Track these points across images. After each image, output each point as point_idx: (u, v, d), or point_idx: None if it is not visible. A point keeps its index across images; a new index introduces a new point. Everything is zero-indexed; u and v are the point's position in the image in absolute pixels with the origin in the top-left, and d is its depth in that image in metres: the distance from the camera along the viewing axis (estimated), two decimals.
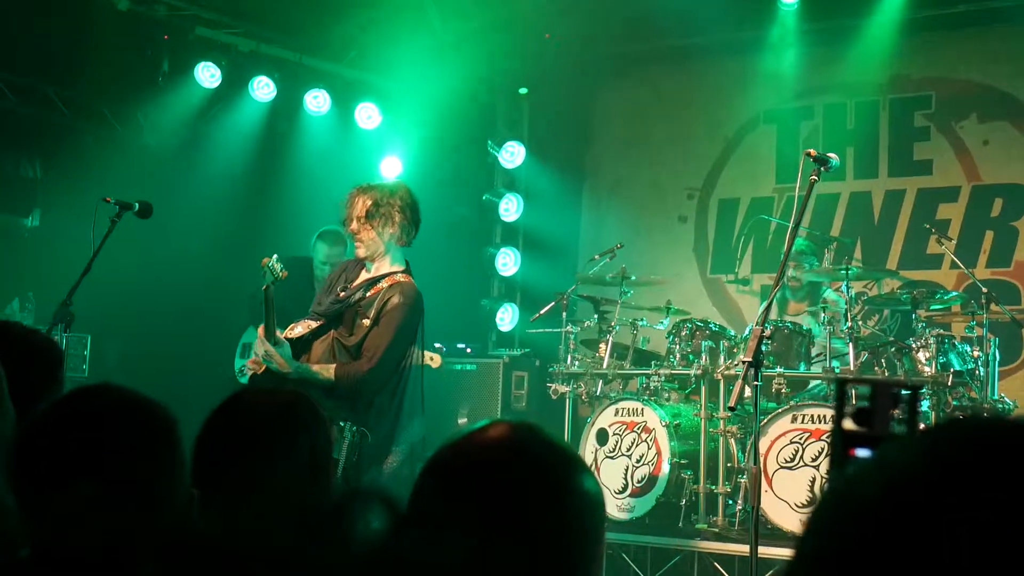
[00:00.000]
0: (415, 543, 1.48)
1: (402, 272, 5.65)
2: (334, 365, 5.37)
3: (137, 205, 6.17)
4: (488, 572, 1.44)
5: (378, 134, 9.87)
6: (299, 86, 9.61)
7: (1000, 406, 6.89)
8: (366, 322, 5.44)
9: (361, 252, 5.56)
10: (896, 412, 0.93)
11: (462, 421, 8.66)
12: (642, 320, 7.65)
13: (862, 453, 0.92)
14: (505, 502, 1.48)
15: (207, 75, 9.14)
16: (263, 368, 5.41)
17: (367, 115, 9.76)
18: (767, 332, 4.77)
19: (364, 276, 5.64)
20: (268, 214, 9.04)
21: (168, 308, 7.86)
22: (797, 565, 0.82)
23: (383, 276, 5.59)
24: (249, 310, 7.53)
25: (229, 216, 8.72)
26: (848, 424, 0.94)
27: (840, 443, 0.94)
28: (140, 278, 8.35)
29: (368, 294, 5.51)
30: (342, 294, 5.58)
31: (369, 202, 5.55)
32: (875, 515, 0.78)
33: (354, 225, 5.55)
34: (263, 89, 9.41)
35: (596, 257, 8.22)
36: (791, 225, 4.79)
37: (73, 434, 1.91)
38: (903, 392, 0.89)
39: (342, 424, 5.28)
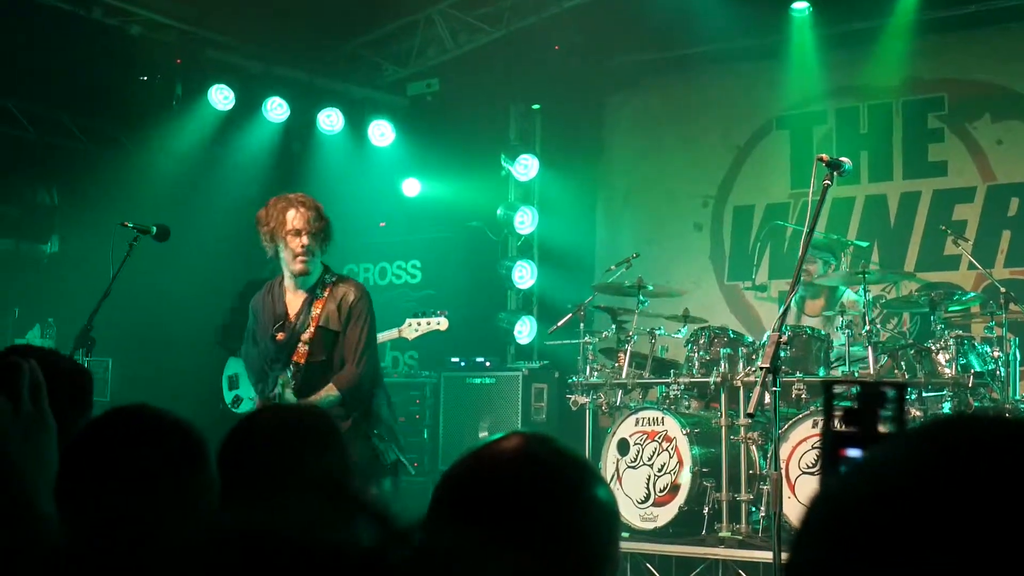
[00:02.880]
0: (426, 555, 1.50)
1: (323, 270, 5.60)
2: (330, 385, 5.36)
3: (155, 229, 6.21)
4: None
5: (392, 151, 9.92)
6: (312, 105, 9.67)
7: (1022, 406, 6.86)
8: (316, 334, 5.45)
9: (309, 268, 5.46)
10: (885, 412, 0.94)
11: (483, 435, 8.67)
12: (660, 329, 7.63)
13: (853, 453, 0.92)
14: (519, 512, 1.49)
15: (220, 97, 9.21)
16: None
17: (380, 132, 9.81)
18: (784, 338, 4.77)
19: (296, 298, 5.57)
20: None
21: (186, 331, 7.91)
22: (791, 570, 0.82)
23: (316, 286, 5.54)
24: (222, 341, 7.58)
25: (246, 238, 8.73)
26: (837, 425, 0.95)
27: (830, 444, 0.95)
28: (159, 302, 8.40)
29: (316, 312, 5.47)
30: (281, 336, 5.52)
31: (318, 219, 5.48)
32: (863, 519, 0.78)
33: (308, 240, 5.43)
34: (276, 110, 9.48)
35: (612, 267, 8.23)
36: (805, 230, 4.79)
37: (114, 451, 1.95)
38: (890, 392, 0.90)
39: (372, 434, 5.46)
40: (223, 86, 9.21)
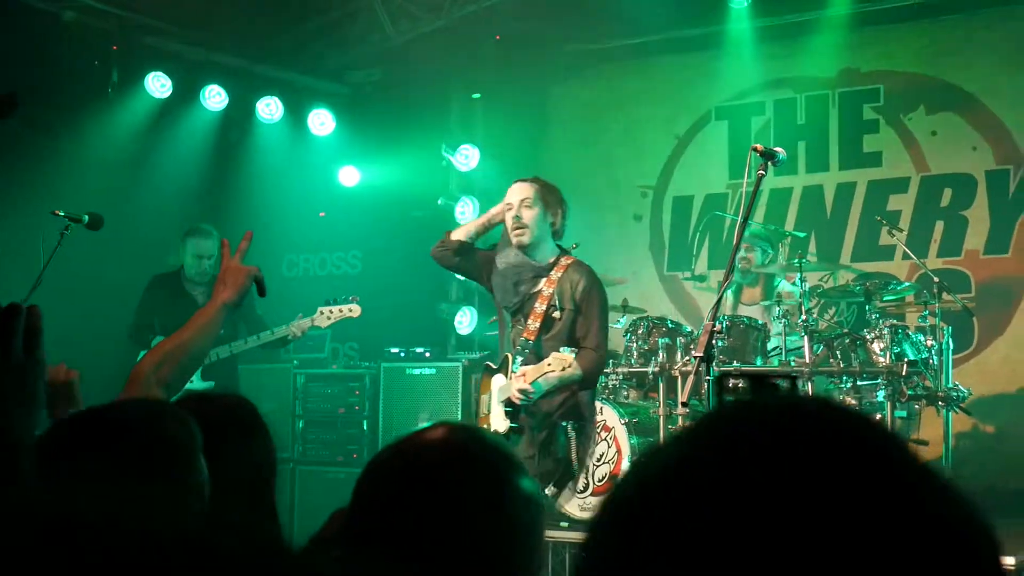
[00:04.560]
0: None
1: (564, 255, 5.60)
2: (571, 361, 5.19)
3: (87, 218, 6.13)
4: (430, 571, 1.44)
5: (331, 141, 9.85)
6: (251, 94, 9.57)
7: (955, 393, 6.97)
8: (557, 315, 5.41)
9: (526, 238, 5.47)
10: None
11: (422, 426, 8.64)
12: None
13: None
14: (443, 501, 1.48)
15: (157, 85, 9.09)
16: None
17: (320, 121, 9.74)
18: (719, 327, 4.80)
19: (531, 267, 5.55)
20: (223, 223, 8.97)
21: (118, 322, 7.79)
22: (579, 559, 0.81)
23: (549, 264, 5.53)
24: (133, 334, 7.47)
25: (183, 227, 8.65)
26: None
27: None
28: (91, 292, 8.27)
29: (548, 291, 5.44)
30: (523, 288, 5.53)
31: (538, 188, 5.50)
32: (625, 518, 0.77)
33: (517, 210, 5.47)
34: (215, 98, 9.37)
35: None
36: (740, 220, 4.81)
37: (97, 442, 1.88)
38: (781, 382, 0.89)
39: (564, 424, 5.45)
40: (160, 73, 9.08)
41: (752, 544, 0.71)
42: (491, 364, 5.83)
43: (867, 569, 0.70)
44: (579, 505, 6.93)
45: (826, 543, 0.71)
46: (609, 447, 6.98)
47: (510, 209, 5.46)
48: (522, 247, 5.48)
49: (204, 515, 1.88)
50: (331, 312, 7.09)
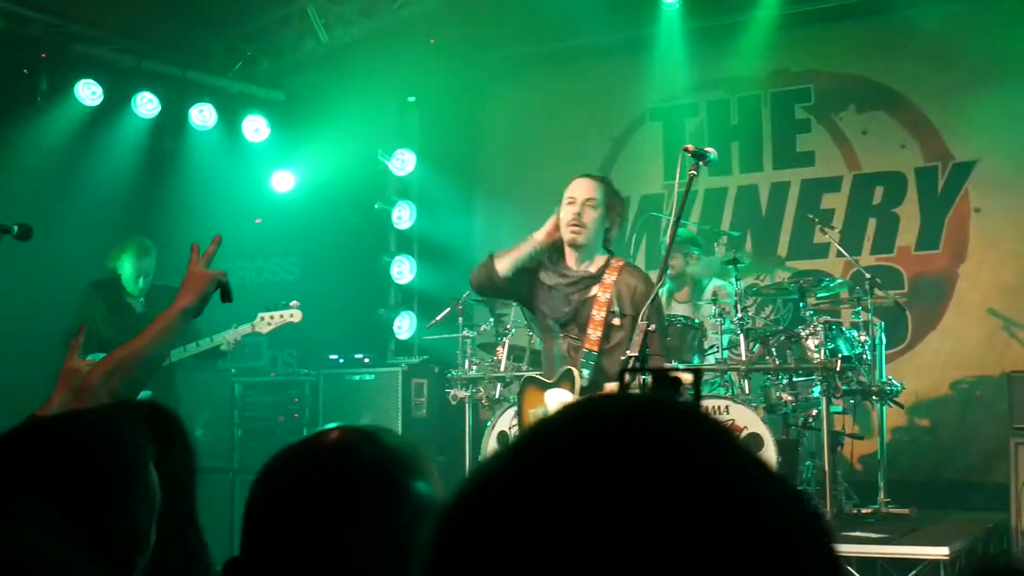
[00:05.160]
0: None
1: (613, 257, 5.39)
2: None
3: (16, 228, 6.01)
4: (313, 570, 1.43)
5: (267, 147, 9.77)
6: (183, 101, 9.47)
7: (889, 388, 7.07)
8: (617, 322, 5.18)
9: (582, 239, 5.24)
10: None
11: None
12: None
13: None
14: (327, 503, 1.47)
15: (88, 92, 8.95)
16: None
17: (254, 128, 9.65)
18: (652, 327, 4.82)
19: (579, 271, 5.34)
20: (157, 231, 8.88)
21: (48, 333, 7.65)
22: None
23: (601, 268, 5.32)
24: (64, 342, 7.32)
25: (115, 236, 8.54)
26: None
27: None
28: (21, 302, 8.14)
29: (604, 296, 5.22)
30: (575, 296, 5.29)
31: (603, 190, 5.28)
32: (452, 512, 0.79)
33: (579, 208, 5.23)
34: (146, 105, 9.25)
35: None
36: (672, 220, 4.85)
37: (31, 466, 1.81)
38: (687, 377, 0.90)
39: None
40: (91, 81, 8.95)
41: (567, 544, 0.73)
42: (539, 377, 5.48)
43: (688, 560, 0.71)
44: None
45: (639, 539, 0.72)
46: None
47: (571, 203, 5.21)
48: (574, 245, 5.26)
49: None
50: (272, 318, 7.04)
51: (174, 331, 3.18)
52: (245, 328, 7.03)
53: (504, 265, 5.35)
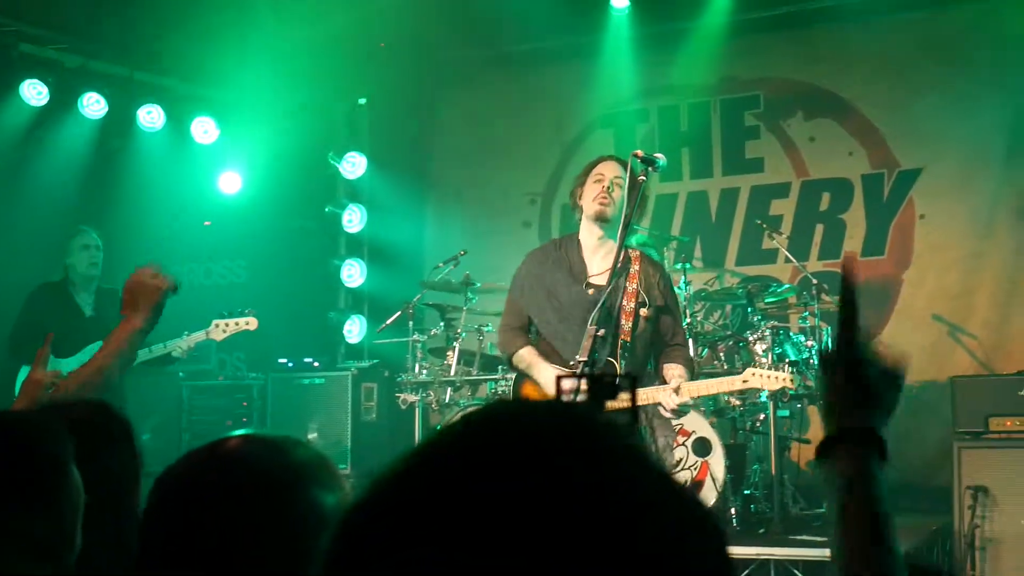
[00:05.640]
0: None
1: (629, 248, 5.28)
2: (680, 360, 5.08)
3: None
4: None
5: (216, 148, 9.68)
6: (131, 101, 9.37)
7: None
8: (645, 311, 5.09)
9: (610, 211, 5.14)
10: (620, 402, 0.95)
11: (312, 436, 8.56)
12: (488, 326, 7.67)
13: None
14: (223, 511, 1.46)
15: (33, 93, 8.82)
16: None
17: (203, 129, 9.56)
18: (602, 331, 4.84)
19: (602, 259, 5.21)
20: (104, 233, 8.79)
21: None
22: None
23: (624, 257, 5.15)
24: (14, 348, 7.21)
25: (62, 238, 8.44)
26: None
27: None
28: None
29: (632, 286, 5.13)
30: (591, 291, 5.15)
31: (629, 173, 5.12)
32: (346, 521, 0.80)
33: (609, 183, 5.16)
34: (93, 106, 9.14)
35: (440, 265, 8.23)
36: (621, 226, 4.87)
37: None
38: (619, 382, 0.90)
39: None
40: (36, 81, 8.82)
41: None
42: (565, 369, 5.05)
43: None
44: None
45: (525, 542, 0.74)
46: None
47: (600, 180, 5.17)
48: (603, 218, 5.16)
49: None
50: (227, 325, 6.97)
51: (133, 349, 3.18)
52: (199, 335, 6.96)
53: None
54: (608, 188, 5.14)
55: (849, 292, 1.61)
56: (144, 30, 9.11)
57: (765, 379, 5.13)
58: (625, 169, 5.13)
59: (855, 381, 1.57)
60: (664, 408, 4.93)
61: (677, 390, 4.89)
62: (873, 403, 1.57)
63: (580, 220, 5.35)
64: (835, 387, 1.58)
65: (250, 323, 6.97)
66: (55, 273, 7.67)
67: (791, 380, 5.16)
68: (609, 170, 5.23)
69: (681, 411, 5.07)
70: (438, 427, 0.82)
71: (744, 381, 5.14)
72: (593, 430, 0.80)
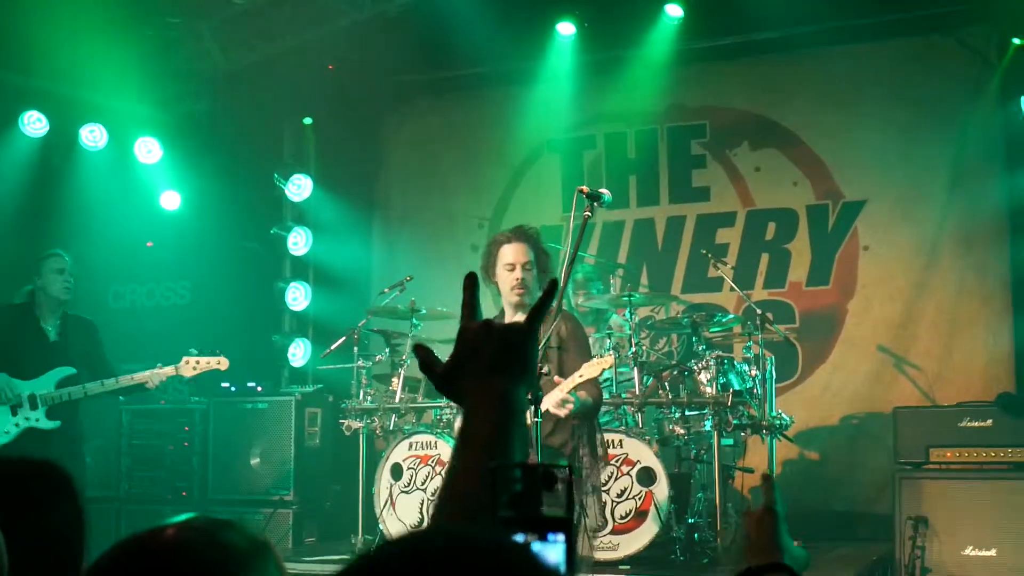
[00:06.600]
0: None
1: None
2: (611, 362, 5.45)
3: None
4: None
5: (160, 168, 9.57)
6: (74, 120, 9.24)
7: (778, 422, 7.16)
8: (551, 352, 5.47)
9: (527, 299, 5.48)
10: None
11: (254, 462, 8.46)
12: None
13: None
14: None
15: None
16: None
17: (147, 149, 9.46)
18: (544, 368, 4.82)
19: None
20: (44, 252, 8.64)
21: None
22: None
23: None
24: None
25: (2, 257, 8.29)
26: (505, 512, 0.93)
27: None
28: None
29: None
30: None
31: (535, 250, 5.61)
32: None
33: (521, 273, 5.53)
34: (35, 124, 9.01)
35: (386, 290, 8.16)
36: (566, 261, 4.87)
37: None
38: (555, 471, 0.88)
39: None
40: None
41: None
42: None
43: None
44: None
45: None
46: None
47: (512, 269, 5.52)
48: (521, 306, 5.51)
49: None
50: (197, 363, 6.89)
51: None
52: (168, 369, 6.86)
53: None
54: (521, 279, 5.50)
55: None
56: (85, 49, 8.97)
57: (594, 367, 5.34)
58: (530, 244, 5.57)
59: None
60: (553, 407, 5.25)
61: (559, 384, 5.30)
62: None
63: (497, 293, 5.73)
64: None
65: (221, 363, 6.92)
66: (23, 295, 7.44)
67: (609, 363, 5.40)
68: (517, 255, 5.56)
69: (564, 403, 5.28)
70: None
71: (580, 375, 5.33)
72: (518, 564, 0.78)
